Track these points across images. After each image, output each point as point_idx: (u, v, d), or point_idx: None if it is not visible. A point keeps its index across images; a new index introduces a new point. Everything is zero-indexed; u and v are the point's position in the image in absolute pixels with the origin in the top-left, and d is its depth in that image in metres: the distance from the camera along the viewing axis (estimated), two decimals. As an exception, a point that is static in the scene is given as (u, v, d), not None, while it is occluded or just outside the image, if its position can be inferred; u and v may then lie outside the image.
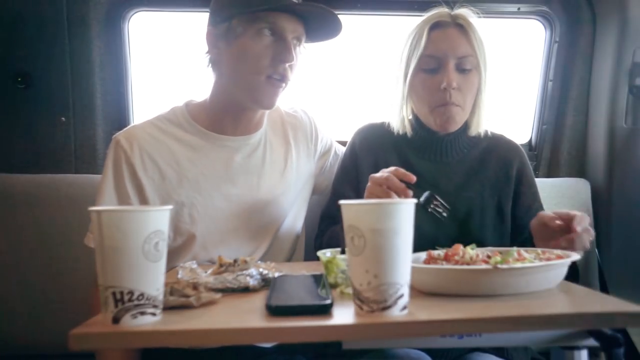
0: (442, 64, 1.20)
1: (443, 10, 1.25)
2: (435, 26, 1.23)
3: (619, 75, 1.64)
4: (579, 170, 1.82)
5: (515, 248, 0.89)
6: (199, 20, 1.73)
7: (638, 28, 1.61)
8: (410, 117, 1.29)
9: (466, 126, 1.29)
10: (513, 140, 1.35)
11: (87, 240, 1.19)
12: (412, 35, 1.25)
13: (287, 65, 1.16)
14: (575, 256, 0.85)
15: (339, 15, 1.19)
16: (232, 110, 1.24)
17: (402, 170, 1.04)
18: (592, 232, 1.00)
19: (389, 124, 1.32)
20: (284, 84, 1.19)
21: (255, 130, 1.29)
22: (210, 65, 1.23)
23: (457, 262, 0.86)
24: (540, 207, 1.29)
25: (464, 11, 1.25)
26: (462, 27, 1.22)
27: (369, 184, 1.07)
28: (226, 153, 1.25)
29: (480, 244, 0.96)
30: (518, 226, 1.26)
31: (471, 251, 0.88)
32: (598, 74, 1.73)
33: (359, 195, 1.27)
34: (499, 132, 1.35)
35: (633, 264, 1.62)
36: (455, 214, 1.22)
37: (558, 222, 0.99)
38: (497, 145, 1.31)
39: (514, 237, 1.25)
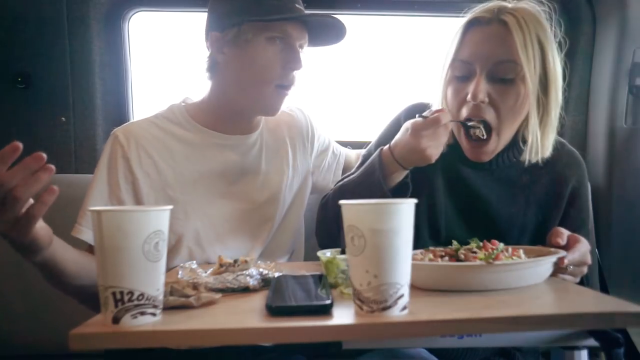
0: (472, 71, 1.00)
1: (493, 4, 1.02)
2: (473, 23, 1.02)
3: (619, 75, 1.64)
4: (579, 170, 1.82)
5: (502, 244, 0.89)
6: (199, 20, 1.73)
7: (638, 28, 1.61)
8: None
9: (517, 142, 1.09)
10: (576, 152, 1.15)
11: (75, 231, 1.13)
12: (453, 34, 1.05)
13: (295, 72, 1.18)
14: (562, 253, 0.86)
15: (342, 16, 1.19)
16: (231, 112, 1.24)
17: None
18: (589, 261, 0.92)
19: None
20: (290, 91, 1.21)
21: (253, 130, 1.29)
22: (208, 69, 1.22)
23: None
24: (588, 235, 1.06)
25: (516, 4, 1.01)
26: (505, 25, 0.98)
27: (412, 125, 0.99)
28: (223, 151, 1.25)
29: None
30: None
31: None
32: (598, 74, 1.73)
33: None
34: (562, 140, 1.14)
35: (633, 264, 1.62)
36: (491, 227, 1.10)
37: (559, 241, 0.90)
38: (555, 158, 1.09)
39: None
